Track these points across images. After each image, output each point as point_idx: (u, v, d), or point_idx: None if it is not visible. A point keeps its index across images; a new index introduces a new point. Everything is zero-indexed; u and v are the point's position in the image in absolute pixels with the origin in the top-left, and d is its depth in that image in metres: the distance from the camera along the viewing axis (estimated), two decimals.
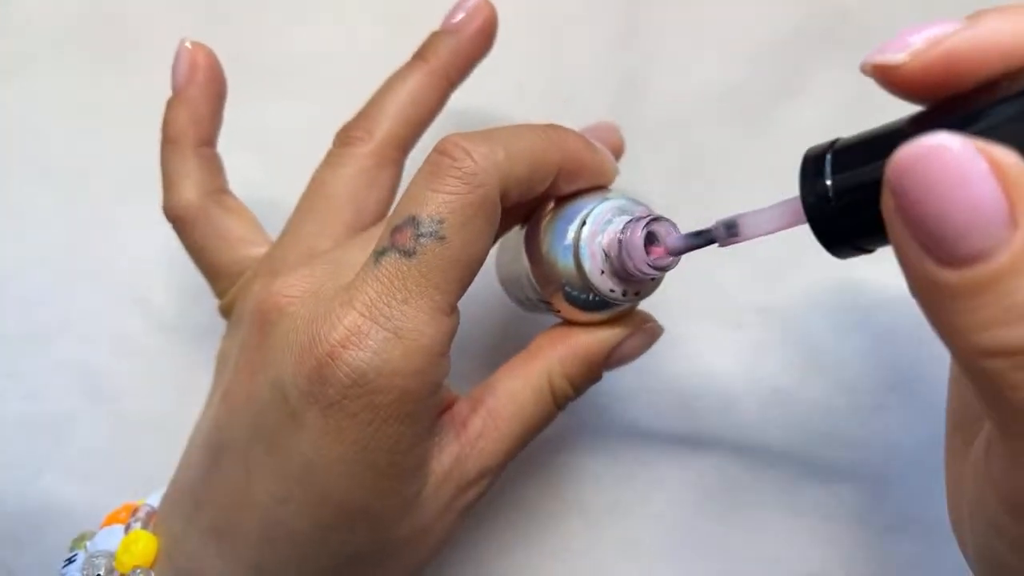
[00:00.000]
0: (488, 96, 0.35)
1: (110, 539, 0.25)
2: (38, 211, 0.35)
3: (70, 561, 0.26)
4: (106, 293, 0.34)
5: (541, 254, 0.25)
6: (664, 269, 0.24)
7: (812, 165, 0.19)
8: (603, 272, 0.24)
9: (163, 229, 0.28)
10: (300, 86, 0.35)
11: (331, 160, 0.27)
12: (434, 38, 0.29)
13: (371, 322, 0.22)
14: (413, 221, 0.22)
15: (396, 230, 0.22)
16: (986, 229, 0.14)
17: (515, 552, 0.32)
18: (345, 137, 0.28)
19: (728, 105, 0.34)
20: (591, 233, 0.24)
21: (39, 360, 0.34)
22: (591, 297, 0.25)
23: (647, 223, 0.23)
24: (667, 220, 0.24)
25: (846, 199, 0.18)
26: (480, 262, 0.23)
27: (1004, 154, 0.14)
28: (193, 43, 0.28)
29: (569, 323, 0.26)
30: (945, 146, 0.14)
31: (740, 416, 0.32)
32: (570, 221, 0.24)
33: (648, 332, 0.27)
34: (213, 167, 0.29)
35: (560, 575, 0.32)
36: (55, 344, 0.34)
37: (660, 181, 0.34)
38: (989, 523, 0.18)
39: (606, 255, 0.24)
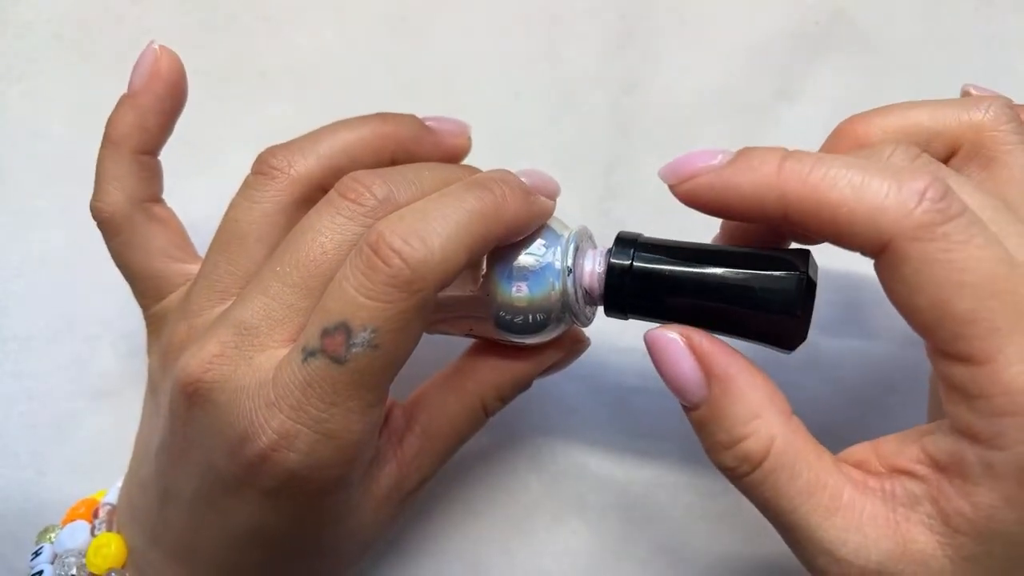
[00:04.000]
0: (488, 97, 0.35)
1: (75, 536, 0.27)
2: (39, 211, 0.35)
3: (36, 554, 0.27)
4: (107, 293, 0.34)
5: (495, 290, 0.25)
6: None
7: (624, 243, 0.24)
8: (587, 304, 0.25)
9: None
10: (300, 86, 0.35)
11: (246, 192, 0.26)
12: (404, 117, 0.28)
13: (299, 425, 0.22)
14: (345, 328, 0.21)
15: (326, 334, 0.21)
16: (692, 389, 0.22)
17: (516, 552, 0.32)
18: (263, 165, 0.26)
19: (727, 105, 0.34)
20: (579, 270, 0.25)
21: (42, 360, 0.34)
22: (534, 319, 0.25)
23: (607, 255, 0.25)
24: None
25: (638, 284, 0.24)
26: (410, 354, 0.23)
27: (698, 336, 0.22)
28: (161, 48, 0.27)
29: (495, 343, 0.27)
30: (663, 335, 0.23)
31: None
32: (546, 269, 0.25)
33: (579, 350, 0.28)
34: (149, 175, 0.28)
35: (560, 575, 0.32)
36: (58, 344, 0.34)
37: (660, 181, 0.34)
38: None
39: (587, 291, 0.25)
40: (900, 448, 0.21)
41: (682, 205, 0.35)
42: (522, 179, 0.25)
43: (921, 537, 0.20)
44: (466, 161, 0.30)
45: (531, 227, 0.25)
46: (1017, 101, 0.34)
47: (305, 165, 0.26)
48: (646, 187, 0.34)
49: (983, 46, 0.34)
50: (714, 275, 0.23)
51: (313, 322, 0.22)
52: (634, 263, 0.24)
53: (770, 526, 0.23)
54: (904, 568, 0.20)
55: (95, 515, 0.28)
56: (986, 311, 0.18)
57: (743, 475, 0.22)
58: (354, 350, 0.21)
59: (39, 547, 0.28)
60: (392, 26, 0.36)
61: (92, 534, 0.27)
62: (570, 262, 0.25)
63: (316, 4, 0.36)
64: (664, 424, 0.32)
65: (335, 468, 0.23)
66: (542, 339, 0.26)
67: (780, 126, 0.34)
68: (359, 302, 0.21)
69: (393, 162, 0.27)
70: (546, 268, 0.25)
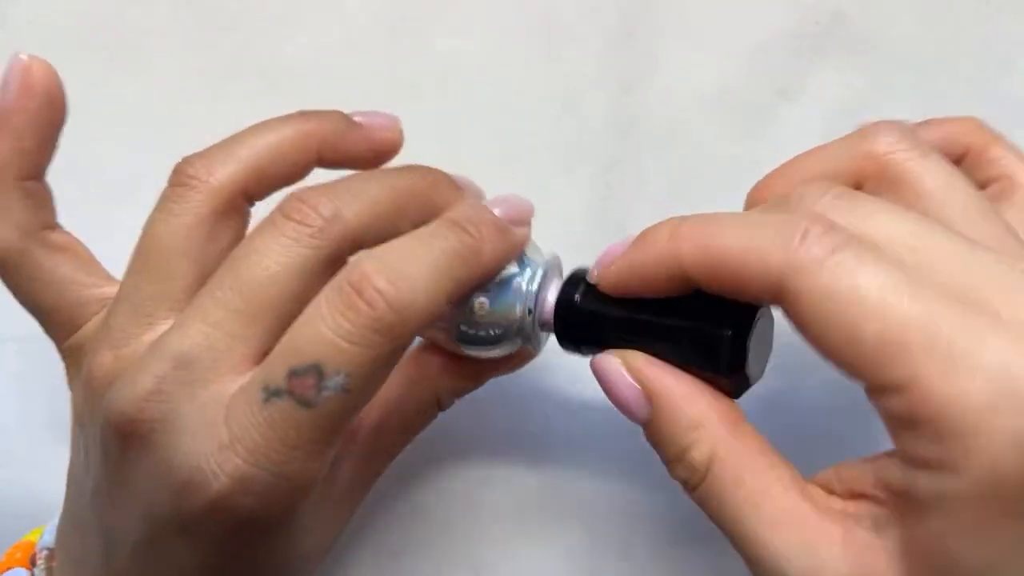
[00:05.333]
0: (488, 97, 0.35)
1: None
2: None
3: None
4: None
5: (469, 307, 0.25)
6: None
7: (570, 281, 0.25)
8: (544, 331, 0.26)
9: None
10: (300, 86, 0.35)
11: (164, 206, 0.24)
12: (328, 113, 0.26)
13: (257, 469, 0.20)
14: (317, 371, 0.20)
15: (295, 375, 0.20)
16: (635, 409, 0.22)
17: (516, 552, 0.32)
18: (180, 176, 0.24)
19: (727, 106, 0.34)
20: (542, 300, 0.25)
21: (41, 360, 0.34)
22: (491, 333, 0.25)
23: (564, 284, 0.25)
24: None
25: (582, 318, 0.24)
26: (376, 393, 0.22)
27: (632, 356, 0.23)
28: (31, 57, 0.25)
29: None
30: (604, 359, 0.23)
31: None
32: (511, 288, 0.25)
33: (529, 353, 0.28)
34: (38, 202, 0.25)
35: (560, 575, 0.32)
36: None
37: (660, 181, 0.34)
38: None
39: (544, 321, 0.25)
40: (861, 473, 0.20)
41: (682, 206, 0.34)
42: (496, 211, 0.24)
43: (881, 564, 0.19)
44: (470, 161, 0.30)
45: (507, 263, 0.24)
46: (1017, 101, 0.34)
47: (225, 172, 0.24)
48: (646, 187, 0.34)
49: (983, 46, 0.34)
50: (649, 320, 0.23)
51: (277, 360, 0.21)
52: (580, 301, 0.24)
53: None
54: None
55: (32, 561, 0.26)
56: (894, 331, 0.18)
57: (694, 487, 0.21)
58: (325, 394, 0.20)
59: None
60: (392, 26, 0.36)
61: None
62: (535, 286, 0.25)
63: (316, 4, 0.36)
64: None
65: (290, 505, 0.22)
66: (492, 355, 0.26)
67: (780, 126, 0.34)
68: (337, 345, 0.20)
69: (320, 160, 0.26)
70: (511, 288, 0.25)
